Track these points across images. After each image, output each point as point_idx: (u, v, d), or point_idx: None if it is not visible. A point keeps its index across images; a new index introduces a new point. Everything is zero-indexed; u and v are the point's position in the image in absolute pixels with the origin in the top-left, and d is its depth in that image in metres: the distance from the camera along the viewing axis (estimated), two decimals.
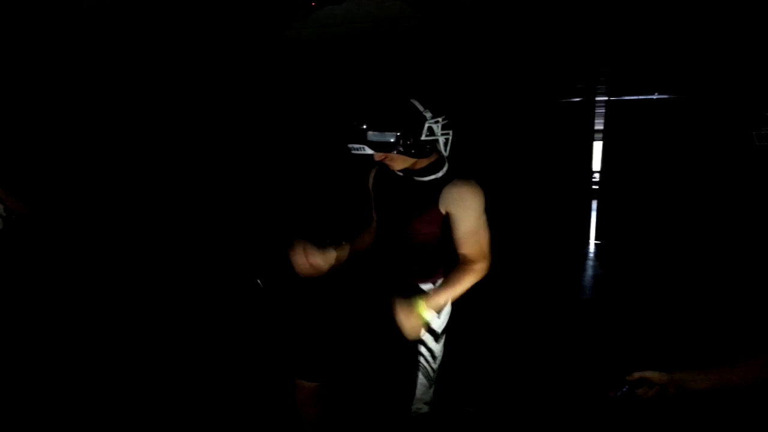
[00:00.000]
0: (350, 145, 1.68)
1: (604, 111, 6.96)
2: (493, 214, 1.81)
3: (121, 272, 4.68)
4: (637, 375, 1.28)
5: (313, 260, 1.81)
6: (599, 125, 7.21)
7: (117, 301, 4.09)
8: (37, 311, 3.51)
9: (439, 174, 1.75)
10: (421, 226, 1.76)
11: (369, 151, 1.67)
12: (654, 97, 6.53)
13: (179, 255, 5.22)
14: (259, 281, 4.46)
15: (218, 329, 3.64)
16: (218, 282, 4.65)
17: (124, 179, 5.34)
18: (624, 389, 1.27)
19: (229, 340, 3.47)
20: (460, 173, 1.75)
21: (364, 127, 1.65)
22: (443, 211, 1.72)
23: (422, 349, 1.80)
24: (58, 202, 4.38)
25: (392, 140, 1.65)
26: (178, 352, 3.28)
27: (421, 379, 1.80)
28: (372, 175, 1.93)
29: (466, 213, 1.70)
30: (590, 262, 6.36)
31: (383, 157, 1.73)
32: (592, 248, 7.00)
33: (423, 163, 1.76)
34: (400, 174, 1.81)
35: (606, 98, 6.77)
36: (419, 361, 1.80)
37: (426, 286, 1.85)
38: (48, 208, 3.87)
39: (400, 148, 1.67)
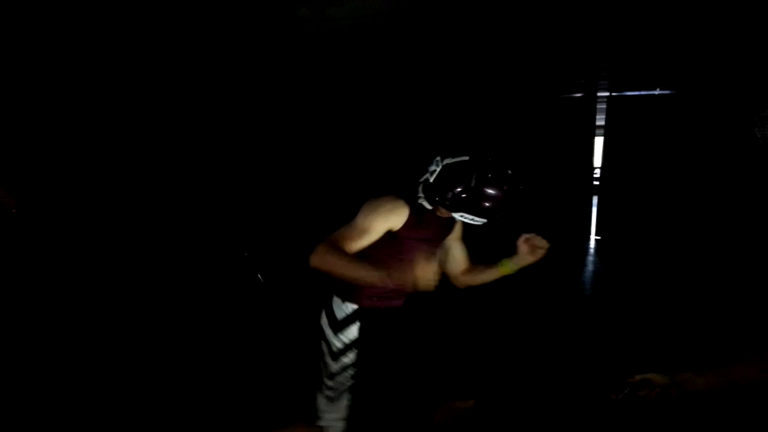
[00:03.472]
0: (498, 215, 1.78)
1: (605, 107, 6.94)
2: None
3: (119, 267, 4.68)
4: (638, 377, 1.28)
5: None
6: (600, 121, 7.19)
7: (114, 297, 4.09)
8: (31, 308, 3.51)
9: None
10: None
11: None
12: (655, 93, 6.50)
13: (179, 250, 5.21)
14: (259, 276, 4.46)
15: (218, 324, 3.64)
16: (219, 276, 4.65)
17: (119, 172, 5.33)
18: (626, 392, 1.27)
19: (230, 335, 3.47)
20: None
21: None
22: None
23: None
24: (53, 196, 4.36)
25: None
26: (176, 348, 3.28)
27: None
28: (406, 219, 1.87)
29: None
30: (590, 258, 6.36)
31: None
32: (592, 244, 7.00)
33: None
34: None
35: (607, 94, 6.74)
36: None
37: None
38: (42, 202, 3.85)
39: None
